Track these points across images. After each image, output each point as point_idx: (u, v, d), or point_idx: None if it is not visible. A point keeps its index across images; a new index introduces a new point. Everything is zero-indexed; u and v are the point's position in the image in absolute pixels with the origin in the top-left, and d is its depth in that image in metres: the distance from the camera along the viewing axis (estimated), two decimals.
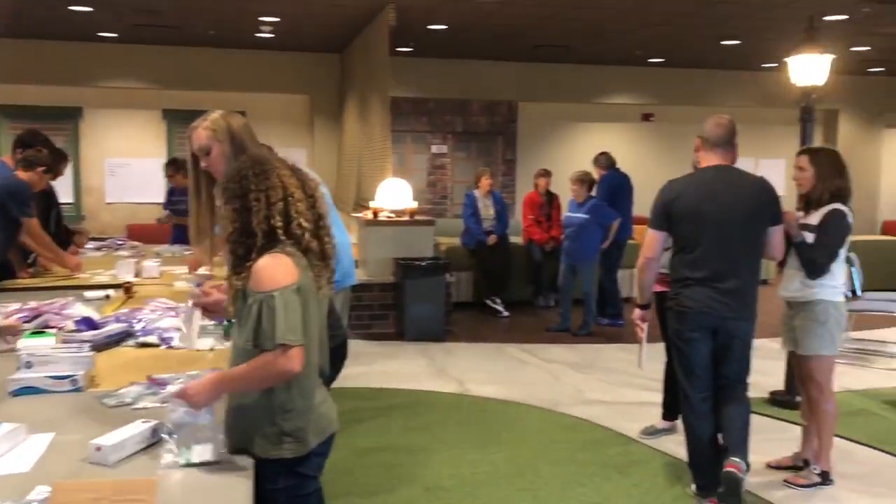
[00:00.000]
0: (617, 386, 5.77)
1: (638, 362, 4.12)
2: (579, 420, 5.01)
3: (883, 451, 4.49)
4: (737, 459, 3.55)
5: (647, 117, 13.35)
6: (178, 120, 10.90)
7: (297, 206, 2.04)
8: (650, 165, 11.97)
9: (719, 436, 3.74)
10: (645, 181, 9.57)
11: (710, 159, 3.75)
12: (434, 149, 12.52)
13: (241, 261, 2.02)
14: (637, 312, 3.95)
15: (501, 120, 12.65)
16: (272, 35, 9.73)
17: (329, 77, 11.43)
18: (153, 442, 1.94)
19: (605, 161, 8.06)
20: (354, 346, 6.76)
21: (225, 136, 2.88)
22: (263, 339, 1.91)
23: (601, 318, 7.79)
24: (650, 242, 3.77)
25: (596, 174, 7.89)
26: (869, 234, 12.16)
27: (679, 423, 4.48)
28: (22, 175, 4.56)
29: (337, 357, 2.52)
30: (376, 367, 6.25)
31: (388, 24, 7.78)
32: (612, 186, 7.84)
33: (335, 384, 2.88)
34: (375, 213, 7.59)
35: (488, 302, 8.43)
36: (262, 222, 2.00)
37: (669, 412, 4.66)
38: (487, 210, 8.57)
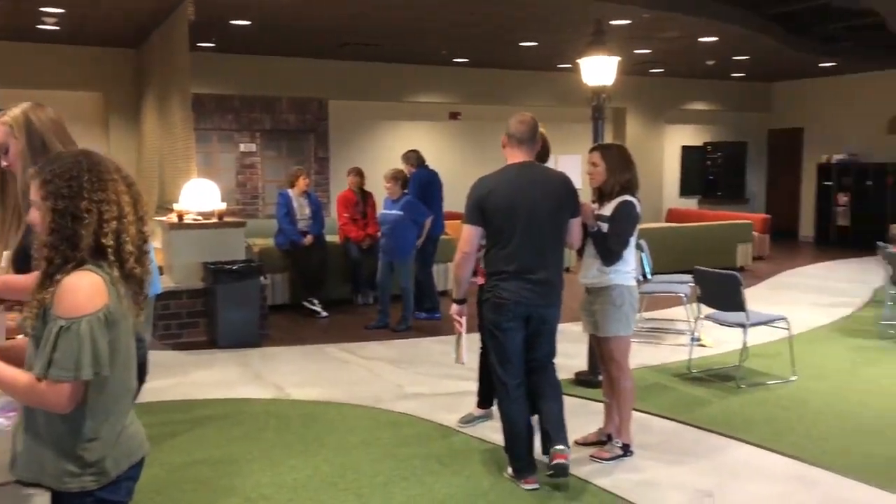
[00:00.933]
0: (436, 378, 5.89)
1: (455, 356, 4.23)
2: (401, 415, 5.07)
3: (674, 420, 4.92)
4: (561, 448, 3.82)
5: (454, 116, 13.73)
6: None
7: (129, 228, 1.88)
8: (459, 162, 12.33)
9: (534, 418, 3.96)
10: (454, 178, 9.83)
11: (516, 156, 3.93)
12: (242, 147, 12.15)
13: (55, 271, 1.82)
14: (454, 307, 4.05)
15: (312, 118, 12.50)
16: (57, 27, 8.98)
17: (124, 73, 10.74)
18: None
19: (415, 158, 8.19)
20: (164, 357, 6.47)
21: (21, 133, 2.65)
22: (55, 368, 1.74)
23: (419, 313, 7.92)
24: (466, 237, 3.88)
25: (406, 171, 8.01)
26: (655, 222, 13.26)
27: (495, 409, 4.67)
28: None
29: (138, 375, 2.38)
30: (188, 377, 5.97)
31: (187, 19, 7.43)
32: (421, 183, 7.98)
33: (142, 400, 2.71)
34: (181, 216, 7.23)
35: (305, 303, 8.31)
36: (90, 236, 1.82)
37: (485, 400, 4.83)
38: (303, 210, 8.44)
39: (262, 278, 7.18)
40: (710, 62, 12.51)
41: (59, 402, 1.76)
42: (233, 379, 5.96)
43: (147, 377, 3.06)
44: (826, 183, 14.45)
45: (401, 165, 8.08)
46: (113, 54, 10.62)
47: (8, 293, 2.52)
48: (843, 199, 14.14)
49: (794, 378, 5.76)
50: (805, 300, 8.90)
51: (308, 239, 8.34)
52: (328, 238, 8.85)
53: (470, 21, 8.90)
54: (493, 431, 4.50)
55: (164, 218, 7.52)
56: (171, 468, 4.15)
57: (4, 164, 2.71)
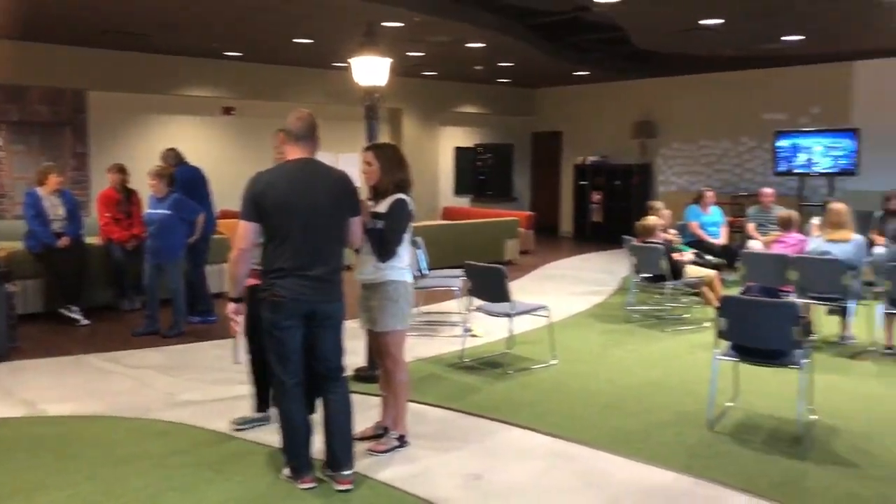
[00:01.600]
0: (210, 384, 5.69)
1: (234, 357, 4.12)
2: (171, 424, 4.83)
3: (448, 408, 5.14)
4: (347, 473, 3.87)
5: (227, 111, 13.30)
6: None
7: None
8: (233, 159, 11.98)
9: (313, 416, 3.96)
10: (229, 174, 9.57)
11: (294, 152, 3.90)
12: None
13: None
14: (231, 306, 3.93)
15: (68, 109, 11.52)
16: None
17: None
18: None
19: (173, 157, 7.83)
20: None
21: None
22: None
23: (192, 317, 7.59)
24: (243, 233, 3.78)
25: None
26: (432, 220, 13.73)
27: (272, 412, 4.61)
28: None
29: None
30: None
31: None
32: (184, 182, 7.62)
33: None
34: None
35: (62, 311, 7.65)
36: None
37: (262, 402, 4.75)
38: (56, 210, 7.76)
39: (9, 285, 6.51)
40: (479, 67, 13.16)
41: None
42: None
43: None
44: (582, 182, 15.76)
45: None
46: None
47: None
48: (596, 197, 15.50)
49: (554, 362, 6.24)
50: (564, 290, 9.67)
51: (63, 241, 7.69)
52: (88, 240, 8.22)
53: (240, 15, 8.66)
54: (269, 434, 4.44)
55: None
56: None
57: None
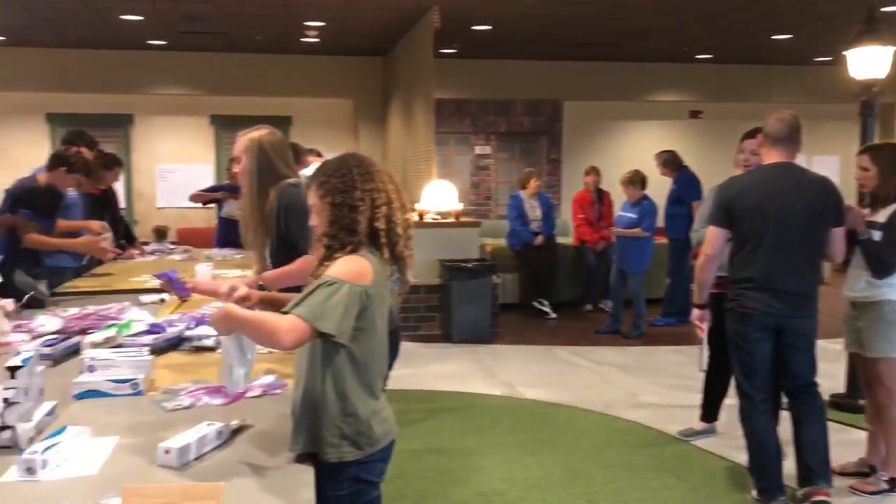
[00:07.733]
0: (670, 389, 5.66)
1: (699, 364, 4.07)
2: (632, 423, 4.92)
3: None
4: (825, 485, 3.56)
5: (695, 114, 13.14)
6: (226, 125, 11.02)
7: (396, 213, 2.05)
8: (700, 163, 11.74)
9: (783, 444, 3.66)
10: None
11: (771, 156, 3.66)
12: (477, 150, 12.47)
13: (333, 253, 1.99)
14: (696, 312, 3.88)
15: (545, 119, 12.55)
16: (317, 39, 9.78)
17: (373, 80, 11.44)
18: (218, 444, 1.94)
19: (672, 160, 7.93)
20: (403, 348, 6.78)
21: (253, 153, 3.12)
22: (303, 307, 1.85)
23: (657, 319, 7.79)
24: (711, 239, 3.69)
25: (661, 174, 7.88)
26: None
27: (717, 425, 4.56)
28: (42, 176, 4.38)
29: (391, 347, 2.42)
30: (425, 368, 6.23)
31: (432, 26, 7.76)
32: (685, 184, 7.76)
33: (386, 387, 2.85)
34: (421, 215, 7.58)
35: (535, 304, 8.36)
36: (365, 222, 2.00)
37: (708, 414, 4.61)
38: (534, 211, 8.50)
39: (494, 277, 7.32)
40: None
41: (286, 337, 1.84)
42: (465, 373, 6.13)
43: (395, 363, 3.28)
44: None
45: (635, 165, 7.85)
46: (363, 63, 11.34)
47: (279, 282, 2.94)
48: None
49: None
50: None
51: (539, 240, 8.39)
52: (560, 240, 8.84)
53: (717, 16, 8.44)
54: (729, 448, 4.25)
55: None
56: (408, 455, 4.33)
57: (235, 169, 3.31)
